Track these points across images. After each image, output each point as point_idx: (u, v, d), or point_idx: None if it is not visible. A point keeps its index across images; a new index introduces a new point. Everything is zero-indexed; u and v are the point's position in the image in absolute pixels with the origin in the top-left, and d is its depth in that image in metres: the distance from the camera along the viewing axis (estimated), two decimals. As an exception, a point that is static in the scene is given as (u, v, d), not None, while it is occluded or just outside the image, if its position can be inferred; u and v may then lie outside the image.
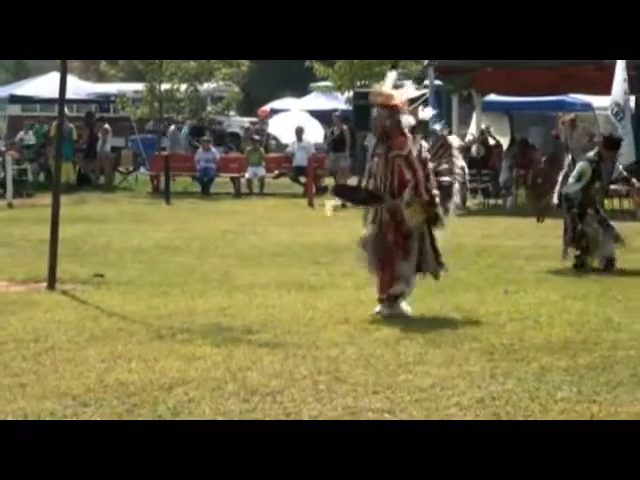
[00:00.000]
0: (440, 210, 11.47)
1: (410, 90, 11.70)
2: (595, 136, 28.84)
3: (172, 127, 37.73)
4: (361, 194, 11.26)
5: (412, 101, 36.51)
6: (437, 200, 11.36)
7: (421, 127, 11.78)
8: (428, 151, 11.50)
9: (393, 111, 11.28)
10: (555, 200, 15.40)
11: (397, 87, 11.55)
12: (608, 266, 14.65)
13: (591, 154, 15.41)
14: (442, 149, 11.74)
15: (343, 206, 11.41)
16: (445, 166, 11.66)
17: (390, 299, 11.13)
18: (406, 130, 11.21)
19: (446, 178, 11.64)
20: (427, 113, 11.83)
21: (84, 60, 54.98)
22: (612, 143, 15.60)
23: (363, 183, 11.48)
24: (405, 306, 11.18)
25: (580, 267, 14.68)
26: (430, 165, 11.34)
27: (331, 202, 11.67)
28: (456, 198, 11.75)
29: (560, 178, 15.32)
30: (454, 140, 12.08)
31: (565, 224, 15.34)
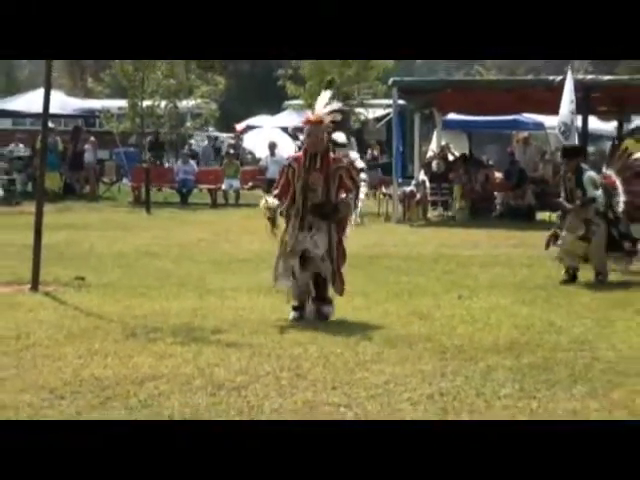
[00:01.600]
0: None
1: (335, 106, 11.68)
2: (546, 153, 29.09)
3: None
4: (320, 210, 11.19)
5: (378, 119, 36.74)
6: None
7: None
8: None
9: (326, 128, 11.33)
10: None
11: (328, 105, 11.53)
12: (603, 279, 14.52)
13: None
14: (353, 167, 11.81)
15: (272, 211, 11.31)
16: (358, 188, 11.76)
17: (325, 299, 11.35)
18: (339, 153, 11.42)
19: (361, 196, 11.80)
20: (341, 137, 11.87)
21: (72, 76, 54.98)
22: (565, 153, 15.72)
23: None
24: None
25: (570, 281, 14.39)
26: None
27: (266, 202, 11.51)
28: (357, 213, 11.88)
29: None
30: (360, 163, 12.16)
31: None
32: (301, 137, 11.86)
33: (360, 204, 11.84)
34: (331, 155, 11.35)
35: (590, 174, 14.72)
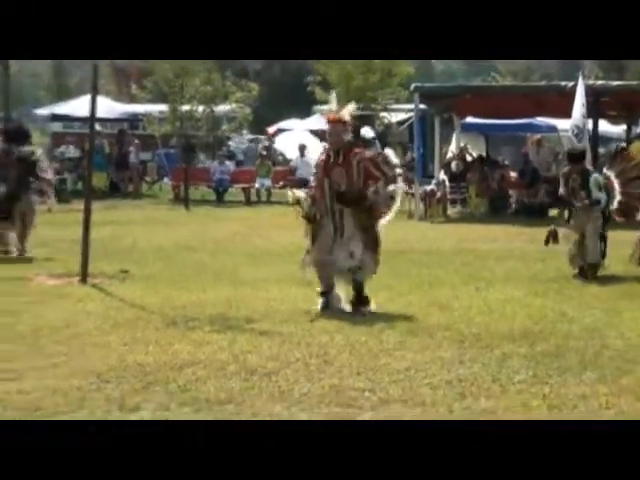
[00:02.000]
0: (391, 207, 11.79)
1: (351, 108, 11.69)
2: (559, 154, 28.95)
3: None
4: (344, 197, 11.16)
5: (401, 123, 36.59)
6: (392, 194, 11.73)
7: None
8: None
9: (345, 126, 11.36)
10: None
11: (341, 107, 11.55)
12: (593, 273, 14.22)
13: (566, 167, 15.42)
14: (386, 161, 11.80)
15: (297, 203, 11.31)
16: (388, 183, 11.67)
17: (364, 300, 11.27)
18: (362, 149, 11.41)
19: (391, 187, 11.70)
20: (368, 133, 11.95)
21: (117, 83, 55.04)
22: (570, 157, 15.40)
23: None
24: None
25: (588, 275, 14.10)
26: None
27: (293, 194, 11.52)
28: (398, 202, 12.00)
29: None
30: (393, 158, 12.12)
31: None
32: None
33: (396, 194, 11.87)
34: (355, 150, 11.36)
35: (595, 176, 14.65)
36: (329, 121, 11.48)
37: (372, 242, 11.27)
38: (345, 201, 11.09)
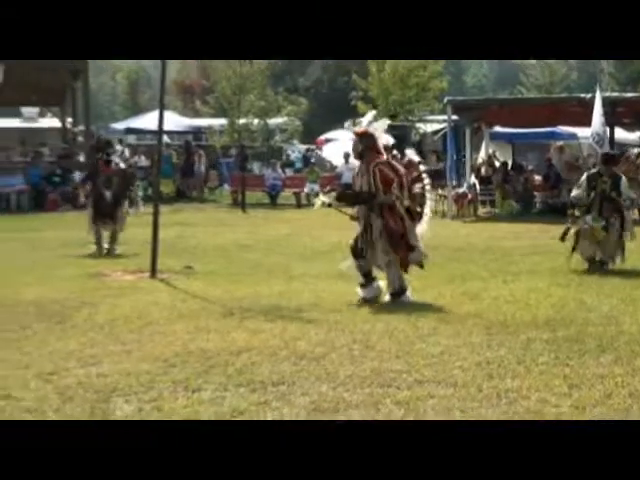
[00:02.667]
0: (421, 205, 11.62)
1: (382, 123, 11.66)
2: (579, 159, 28.80)
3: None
4: (359, 197, 11.20)
5: (435, 133, 36.44)
6: (421, 192, 11.56)
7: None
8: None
9: (366, 137, 11.27)
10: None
11: (372, 122, 11.50)
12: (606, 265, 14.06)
13: (592, 170, 15.01)
14: (412, 167, 11.74)
15: (329, 205, 11.36)
16: (418, 184, 11.60)
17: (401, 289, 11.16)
18: (382, 149, 11.34)
19: (418, 185, 11.58)
20: (390, 140, 11.79)
21: (183, 99, 55.30)
22: (606, 160, 15.03)
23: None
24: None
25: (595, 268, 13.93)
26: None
27: (320, 200, 11.58)
28: (430, 204, 11.90)
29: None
30: (415, 156, 12.11)
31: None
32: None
33: (426, 192, 11.77)
34: (375, 158, 11.21)
35: (624, 179, 14.51)
36: (355, 133, 11.66)
37: (396, 244, 11.17)
38: (358, 202, 11.31)
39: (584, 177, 14.68)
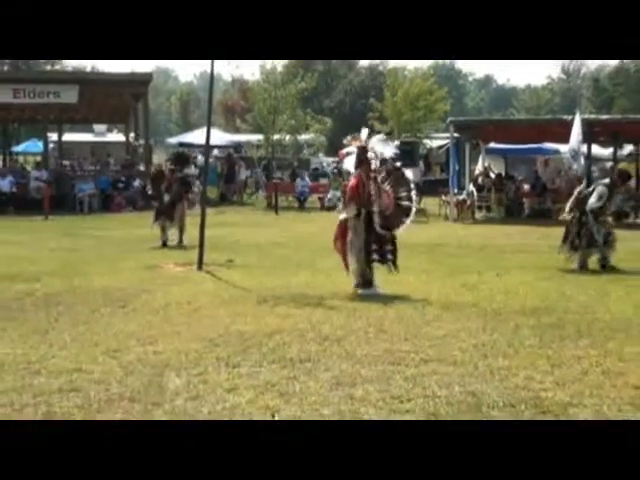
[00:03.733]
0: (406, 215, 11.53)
1: (377, 138, 11.58)
2: (561, 171, 28.71)
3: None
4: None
5: (440, 147, 36.28)
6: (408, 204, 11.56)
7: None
8: (386, 178, 11.46)
9: (363, 151, 11.24)
10: (567, 215, 14.17)
11: (369, 137, 11.42)
12: (604, 264, 13.52)
13: (606, 181, 14.02)
14: (402, 179, 11.67)
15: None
16: (404, 194, 11.54)
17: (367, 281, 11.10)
18: (373, 161, 11.26)
19: (405, 203, 11.53)
20: (388, 152, 11.67)
21: (226, 118, 55.32)
22: (623, 176, 14.37)
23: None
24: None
25: (603, 267, 13.44)
26: (388, 187, 11.35)
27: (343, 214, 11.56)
28: (412, 217, 11.69)
29: (573, 198, 14.05)
30: (408, 173, 12.07)
31: (587, 230, 13.68)
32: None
33: (412, 210, 11.71)
34: (370, 169, 11.23)
35: None
36: (360, 148, 11.45)
37: (386, 244, 11.22)
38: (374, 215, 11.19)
39: (604, 189, 13.66)
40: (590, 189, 13.82)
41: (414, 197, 11.80)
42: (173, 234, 17.48)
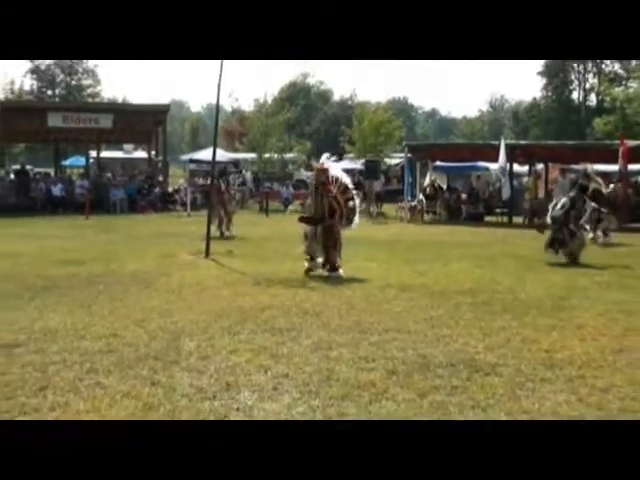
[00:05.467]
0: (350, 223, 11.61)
1: (330, 162, 11.70)
2: (489, 184, 28.83)
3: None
4: (313, 220, 11.35)
5: (397, 165, 36.01)
6: (352, 207, 11.59)
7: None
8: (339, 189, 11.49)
9: (325, 172, 11.36)
10: (548, 220, 13.33)
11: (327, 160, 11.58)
12: (572, 260, 12.79)
13: (571, 194, 13.19)
14: (347, 191, 11.64)
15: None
16: (351, 202, 11.62)
17: (334, 268, 11.09)
18: (333, 181, 11.40)
19: (351, 203, 11.61)
20: (337, 172, 11.81)
21: (227, 140, 55.12)
22: (582, 188, 13.49)
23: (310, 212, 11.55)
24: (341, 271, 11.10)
25: (572, 262, 12.67)
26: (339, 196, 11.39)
27: (289, 210, 11.87)
28: (357, 217, 11.78)
29: (550, 207, 13.33)
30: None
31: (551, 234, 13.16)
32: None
33: (356, 211, 11.76)
34: (328, 186, 11.28)
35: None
36: (316, 169, 11.64)
37: (333, 241, 11.21)
38: (312, 222, 11.33)
39: (566, 200, 13.07)
40: (560, 200, 13.37)
41: (357, 200, 11.90)
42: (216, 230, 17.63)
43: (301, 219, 11.68)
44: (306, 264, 11.30)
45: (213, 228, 17.10)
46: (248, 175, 37.11)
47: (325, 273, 11.10)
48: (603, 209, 15.10)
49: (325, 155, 12.09)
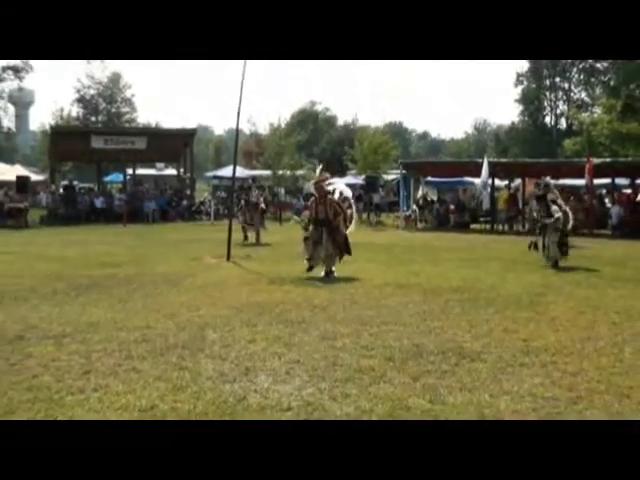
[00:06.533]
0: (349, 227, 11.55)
1: (324, 174, 11.64)
2: (474, 196, 28.72)
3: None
4: (321, 222, 11.15)
5: (393, 180, 35.85)
6: (350, 223, 11.56)
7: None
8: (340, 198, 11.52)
9: (323, 184, 11.30)
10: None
11: (322, 173, 11.51)
12: (554, 265, 12.29)
13: (534, 203, 12.87)
14: (346, 200, 11.68)
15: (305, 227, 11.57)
16: (349, 210, 11.63)
17: (330, 272, 10.98)
18: (332, 195, 11.36)
19: (349, 212, 11.60)
20: (346, 191, 11.86)
21: (246, 159, 55.10)
22: (537, 197, 12.97)
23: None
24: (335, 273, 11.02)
25: (554, 265, 12.18)
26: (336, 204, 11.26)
27: (294, 220, 11.80)
28: (354, 224, 11.79)
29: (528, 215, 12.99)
30: (350, 195, 12.06)
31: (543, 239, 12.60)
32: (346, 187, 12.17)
33: (353, 218, 11.73)
34: (329, 197, 11.22)
35: (555, 207, 12.53)
36: (315, 182, 11.50)
37: (337, 244, 11.09)
38: (322, 223, 11.14)
39: (532, 206, 12.77)
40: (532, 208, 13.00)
41: (354, 209, 11.94)
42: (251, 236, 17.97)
43: (312, 221, 11.37)
44: (305, 264, 11.11)
45: (251, 235, 17.27)
46: (257, 190, 37.20)
47: (322, 273, 10.98)
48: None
49: (319, 167, 12.12)
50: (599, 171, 22.92)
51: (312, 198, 11.57)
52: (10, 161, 46.95)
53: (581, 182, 24.33)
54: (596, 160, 23.49)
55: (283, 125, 44.34)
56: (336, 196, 11.47)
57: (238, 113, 13.89)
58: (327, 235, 11.09)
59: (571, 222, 12.95)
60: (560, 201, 12.88)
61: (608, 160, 25.96)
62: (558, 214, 12.39)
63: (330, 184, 11.69)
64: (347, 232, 11.49)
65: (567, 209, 12.96)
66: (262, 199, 19.65)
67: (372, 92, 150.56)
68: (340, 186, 11.94)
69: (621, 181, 28.92)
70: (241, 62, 13.44)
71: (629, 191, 26.96)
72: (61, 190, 32.06)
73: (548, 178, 13.49)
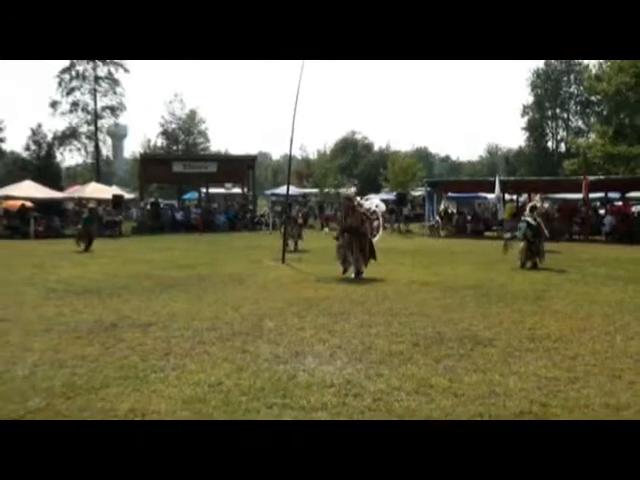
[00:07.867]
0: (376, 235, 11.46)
1: (353, 190, 11.65)
2: (487, 210, 28.23)
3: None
4: (350, 228, 10.97)
5: (419, 196, 35.29)
6: (377, 232, 11.48)
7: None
8: (368, 212, 11.35)
9: (352, 201, 11.23)
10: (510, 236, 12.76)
11: (353, 190, 11.54)
12: (535, 266, 11.95)
13: (528, 218, 12.40)
14: (374, 213, 11.54)
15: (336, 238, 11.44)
16: (376, 221, 11.51)
17: (359, 272, 10.71)
18: (359, 207, 11.21)
19: (376, 223, 11.47)
20: (374, 201, 11.79)
21: (297, 179, 55.33)
22: (531, 209, 12.70)
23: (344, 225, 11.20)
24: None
25: (533, 267, 11.85)
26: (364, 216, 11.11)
27: (325, 231, 11.67)
28: (381, 232, 11.70)
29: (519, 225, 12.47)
30: (381, 209, 11.91)
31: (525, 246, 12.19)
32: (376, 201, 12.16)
33: (379, 229, 11.61)
34: (358, 209, 11.07)
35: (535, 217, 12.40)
36: (344, 198, 11.46)
37: (364, 251, 10.85)
38: (350, 230, 10.96)
39: (522, 224, 12.38)
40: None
41: (381, 220, 11.80)
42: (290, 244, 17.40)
43: (344, 229, 11.25)
44: (340, 267, 10.95)
45: (291, 243, 17.23)
46: (311, 203, 37.30)
47: (352, 275, 10.79)
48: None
49: (352, 189, 12.12)
50: (594, 187, 22.78)
51: (340, 212, 11.56)
52: (109, 183, 48.06)
53: (579, 196, 23.95)
54: (591, 177, 23.23)
55: (328, 151, 44.59)
56: (365, 208, 11.40)
57: (291, 141, 14.27)
58: (355, 241, 10.95)
59: (546, 233, 12.43)
60: (538, 219, 12.53)
61: (602, 177, 25.71)
62: (520, 230, 12.25)
63: (359, 203, 11.59)
64: (374, 240, 11.29)
65: (540, 223, 12.42)
66: (300, 214, 19.56)
67: (403, 122, 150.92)
68: (376, 201, 11.90)
69: (613, 195, 28.59)
70: (297, 102, 13.34)
71: (620, 203, 26.41)
72: (148, 206, 32.74)
73: (537, 197, 13.23)
